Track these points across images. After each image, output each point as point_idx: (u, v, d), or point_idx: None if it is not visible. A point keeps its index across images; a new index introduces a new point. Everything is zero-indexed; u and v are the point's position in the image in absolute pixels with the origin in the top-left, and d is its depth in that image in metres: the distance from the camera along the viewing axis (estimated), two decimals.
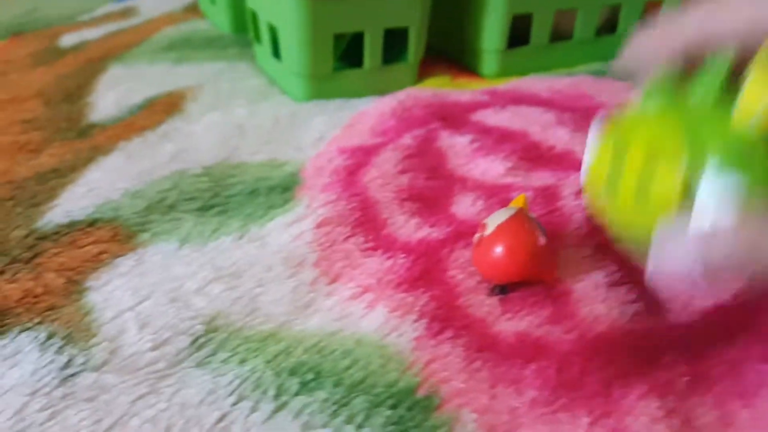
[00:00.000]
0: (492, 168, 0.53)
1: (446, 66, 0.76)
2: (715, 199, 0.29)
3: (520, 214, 0.39)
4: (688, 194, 0.30)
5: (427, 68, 0.73)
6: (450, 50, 0.78)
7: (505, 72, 0.73)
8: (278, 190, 0.51)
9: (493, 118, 0.62)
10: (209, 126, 0.61)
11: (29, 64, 0.74)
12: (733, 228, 0.28)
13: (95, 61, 0.75)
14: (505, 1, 0.68)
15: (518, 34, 0.72)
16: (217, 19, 0.87)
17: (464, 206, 0.48)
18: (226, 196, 0.50)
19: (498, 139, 0.57)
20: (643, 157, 0.31)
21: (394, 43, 0.69)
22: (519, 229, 0.38)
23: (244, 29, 0.82)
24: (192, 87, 0.68)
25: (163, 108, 0.64)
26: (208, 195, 0.50)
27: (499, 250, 0.37)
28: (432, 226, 0.46)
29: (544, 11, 0.71)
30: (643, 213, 0.31)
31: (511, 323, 0.37)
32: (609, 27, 0.77)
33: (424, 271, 0.41)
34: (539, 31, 0.73)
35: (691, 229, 0.29)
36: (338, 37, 0.66)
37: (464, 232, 0.45)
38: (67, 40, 0.81)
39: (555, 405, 0.33)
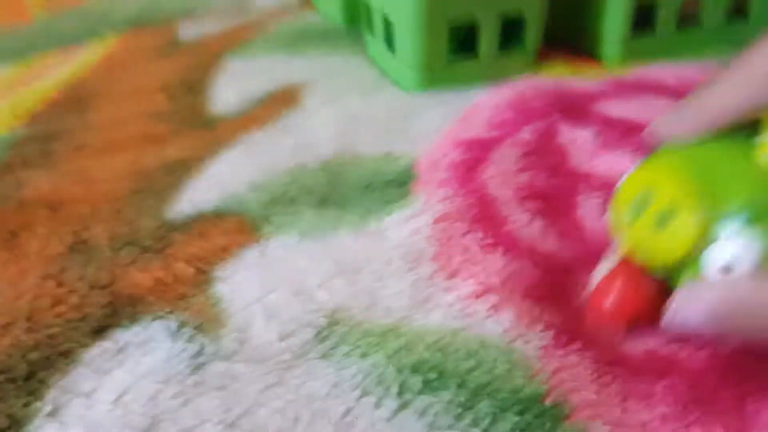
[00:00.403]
0: (619, 164, 0.50)
1: (564, 52, 0.73)
2: (734, 253, 0.30)
3: (624, 264, 0.36)
4: (706, 243, 0.31)
5: (544, 54, 0.71)
6: (568, 36, 0.75)
7: (627, 58, 0.70)
8: (394, 184, 0.51)
9: (617, 109, 0.59)
10: (325, 120, 0.61)
11: (151, 57, 0.78)
12: (752, 284, 0.29)
13: (214, 55, 0.77)
14: None
15: (643, 16, 0.68)
16: (329, 10, 0.87)
17: (590, 209, 0.46)
18: (343, 191, 0.50)
19: (624, 133, 0.55)
20: (669, 197, 0.32)
21: (511, 29, 0.67)
22: (625, 283, 0.36)
23: (356, 20, 0.83)
24: (307, 81, 0.69)
25: (281, 102, 0.65)
26: (326, 189, 0.51)
27: (609, 302, 0.35)
28: (558, 231, 0.44)
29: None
30: (658, 250, 0.33)
31: (640, 341, 0.36)
32: (740, 12, 0.72)
33: (552, 282, 0.40)
34: (666, 17, 0.69)
35: (706, 283, 0.31)
36: (454, 27, 0.65)
37: (592, 243, 0.43)
38: (185, 33, 0.84)
39: (687, 420, 0.31)
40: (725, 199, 0.31)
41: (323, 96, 0.66)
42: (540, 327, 0.36)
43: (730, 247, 0.30)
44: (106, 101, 0.66)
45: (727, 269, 0.30)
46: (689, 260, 0.32)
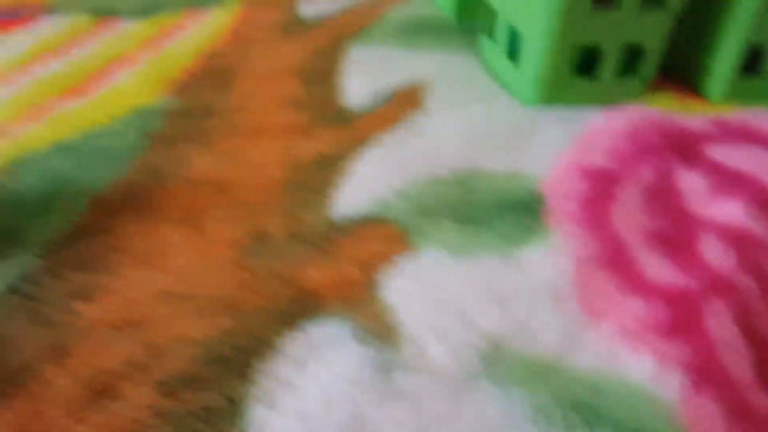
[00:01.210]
0: (732, 214, 0.55)
1: (671, 83, 0.76)
2: None
3: None
4: None
5: (653, 83, 0.74)
6: (678, 68, 0.78)
7: (731, 98, 0.73)
8: (526, 207, 0.55)
9: (726, 155, 0.63)
10: (450, 129, 0.65)
11: (277, 35, 0.81)
12: None
13: (336, 40, 0.80)
14: (743, 32, 0.68)
15: (752, 59, 0.72)
16: (441, 2, 0.90)
17: (712, 250, 0.51)
18: (478, 207, 0.55)
19: (734, 182, 0.59)
20: None
21: (628, 56, 0.71)
22: None
23: (467, 17, 0.86)
24: (427, 81, 0.73)
25: (406, 102, 0.69)
26: (462, 203, 0.55)
27: None
28: (686, 272, 0.49)
29: None
30: None
31: (764, 394, 0.41)
32: None
33: (685, 320, 0.45)
34: None
35: None
36: (579, 48, 0.68)
37: (718, 281, 0.48)
38: (305, 11, 0.87)
39: None
40: None
41: (445, 101, 0.70)
42: (678, 369, 0.42)
43: None
44: (244, 80, 0.70)
45: None
46: None
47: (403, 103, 0.69)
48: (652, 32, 0.69)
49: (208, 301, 0.45)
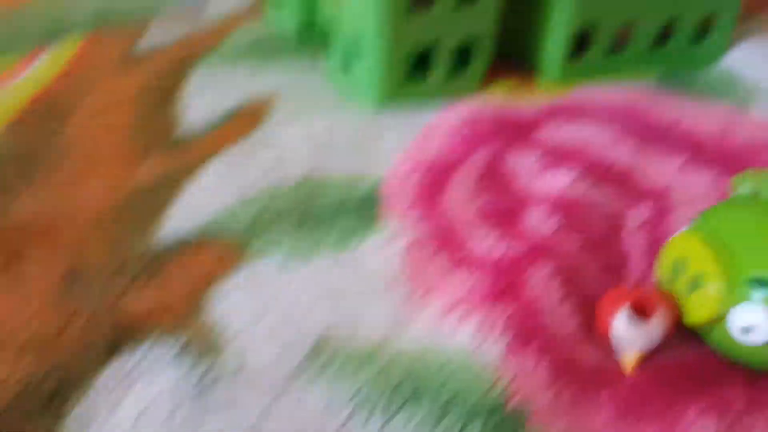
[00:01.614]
0: (558, 183, 0.57)
1: (508, 70, 0.78)
2: (753, 318, 0.38)
3: None
4: (729, 307, 0.39)
5: (491, 71, 0.76)
6: (513, 54, 0.81)
7: (565, 77, 0.76)
8: (363, 206, 0.56)
9: (554, 135, 0.66)
10: (293, 139, 0.65)
11: (114, 68, 0.79)
12: None
13: (177, 66, 0.79)
14: (571, 17, 0.72)
15: (580, 41, 0.75)
16: (283, 23, 0.90)
17: (535, 219, 0.53)
18: (318, 212, 0.55)
19: (561, 156, 0.62)
20: (698, 267, 0.40)
21: (462, 51, 0.73)
22: None
23: (309, 30, 0.86)
24: (270, 98, 0.73)
25: (249, 120, 0.69)
26: (301, 211, 0.55)
27: None
28: (509, 240, 0.51)
29: (606, 26, 0.75)
30: (690, 310, 0.41)
31: (589, 348, 0.42)
32: (663, 40, 0.80)
33: (507, 287, 0.46)
34: (600, 43, 0.76)
35: None
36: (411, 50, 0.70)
37: (539, 246, 0.50)
38: (144, 42, 0.85)
39: (626, 422, 0.38)
40: (749, 268, 0.38)
41: (288, 114, 0.70)
42: (499, 333, 0.43)
43: (749, 313, 0.38)
44: (76, 117, 0.68)
45: (746, 330, 0.38)
46: (715, 321, 0.39)
47: (245, 120, 0.69)
48: (477, 26, 0.71)
49: (18, 346, 0.43)
